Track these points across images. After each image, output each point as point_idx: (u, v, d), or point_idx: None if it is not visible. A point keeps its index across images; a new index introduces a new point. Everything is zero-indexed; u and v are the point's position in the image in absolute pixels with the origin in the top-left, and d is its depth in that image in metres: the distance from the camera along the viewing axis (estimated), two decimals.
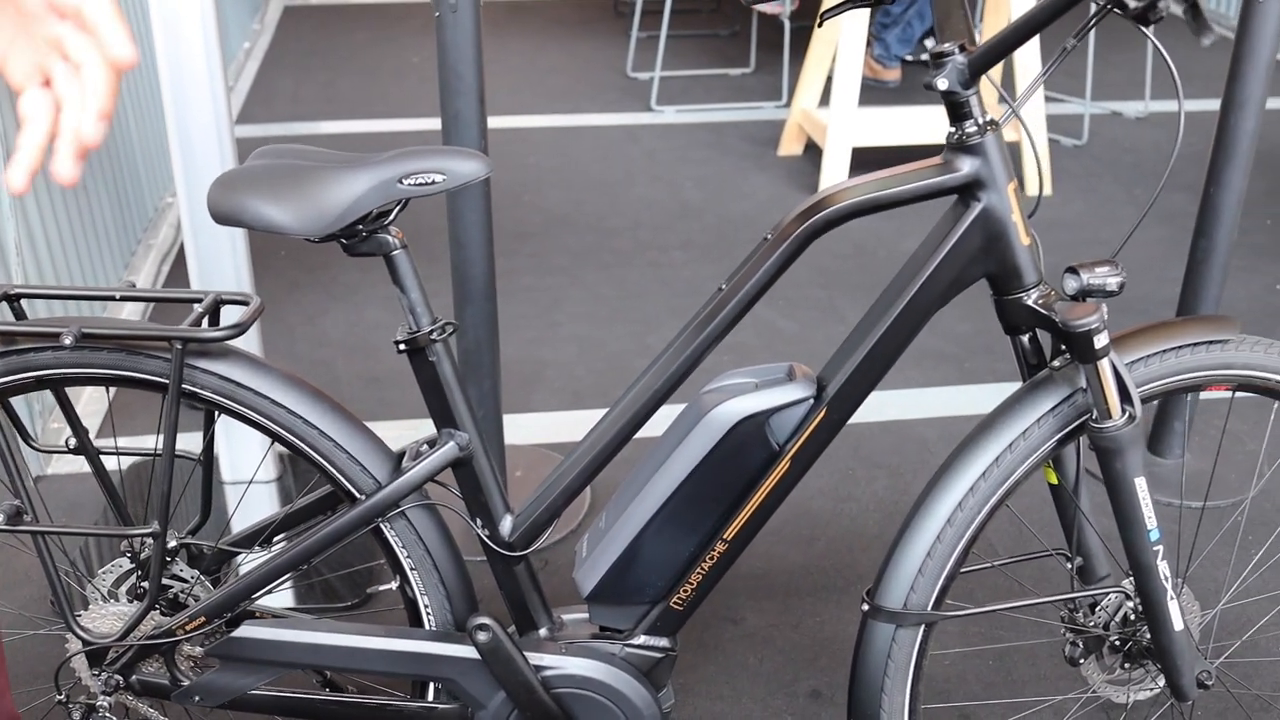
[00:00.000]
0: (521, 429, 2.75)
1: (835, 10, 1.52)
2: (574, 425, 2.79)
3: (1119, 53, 5.57)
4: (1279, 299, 3.41)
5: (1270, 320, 3.30)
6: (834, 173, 3.96)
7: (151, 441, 2.51)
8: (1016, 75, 4.06)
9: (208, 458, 1.53)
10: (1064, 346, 1.41)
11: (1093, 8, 1.28)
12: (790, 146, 4.41)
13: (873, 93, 4.97)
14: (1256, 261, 3.64)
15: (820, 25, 1.64)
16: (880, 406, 2.85)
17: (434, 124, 4.71)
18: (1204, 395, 2.77)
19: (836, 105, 3.94)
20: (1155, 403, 2.74)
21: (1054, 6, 1.20)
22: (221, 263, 2.26)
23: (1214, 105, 2.42)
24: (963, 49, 1.30)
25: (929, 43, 1.33)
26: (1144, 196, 4.10)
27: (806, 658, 2.11)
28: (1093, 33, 4.70)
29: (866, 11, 3.86)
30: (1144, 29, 1.24)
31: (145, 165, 3.61)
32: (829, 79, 4.19)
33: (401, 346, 1.42)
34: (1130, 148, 4.54)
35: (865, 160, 4.29)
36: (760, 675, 2.08)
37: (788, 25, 4.99)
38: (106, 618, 1.51)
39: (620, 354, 3.10)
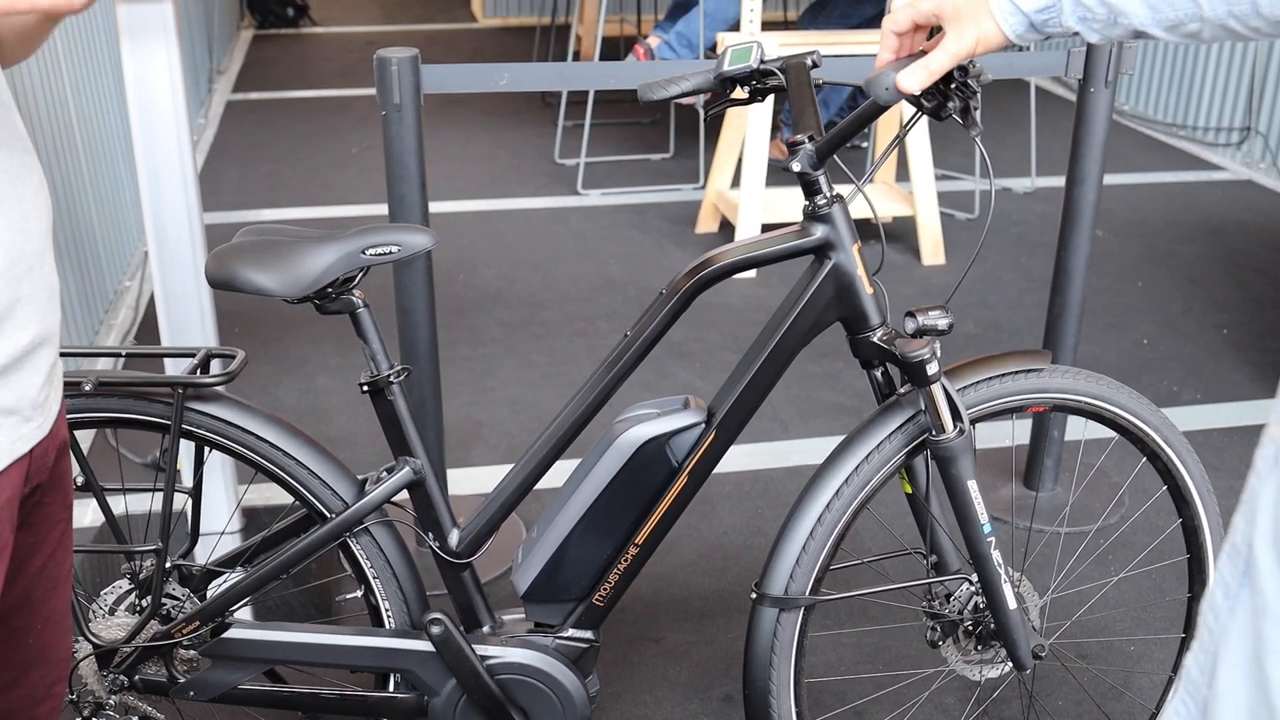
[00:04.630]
0: (463, 481, 3.03)
1: (714, 107, 1.86)
2: None
3: (1012, 134, 6.03)
4: (1146, 352, 3.79)
5: (1138, 370, 3.67)
6: None
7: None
8: (909, 153, 4.46)
9: (197, 490, 1.80)
10: (905, 376, 1.73)
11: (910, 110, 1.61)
12: (706, 224, 4.76)
13: (781, 173, 5.35)
14: (1128, 319, 4.02)
15: (706, 118, 1.98)
16: (787, 453, 3.17)
17: (374, 209, 5.00)
18: (1082, 437, 3.12)
19: (746, 187, 4.31)
20: (1007, 420, 3.09)
21: (875, 109, 1.53)
22: (192, 336, 2.54)
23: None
24: (811, 139, 1.64)
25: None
26: (1029, 264, 4.49)
27: (720, 669, 2.40)
28: (982, 117, 5.12)
29: (770, 101, 4.24)
30: (970, 128, 1.57)
31: (106, 251, 3.87)
32: (740, 162, 4.56)
33: (365, 388, 1.71)
34: (1018, 220, 4.95)
35: None
36: (679, 685, 2.36)
37: (703, 114, 5.36)
38: (110, 628, 1.76)
39: (551, 413, 3.39)
